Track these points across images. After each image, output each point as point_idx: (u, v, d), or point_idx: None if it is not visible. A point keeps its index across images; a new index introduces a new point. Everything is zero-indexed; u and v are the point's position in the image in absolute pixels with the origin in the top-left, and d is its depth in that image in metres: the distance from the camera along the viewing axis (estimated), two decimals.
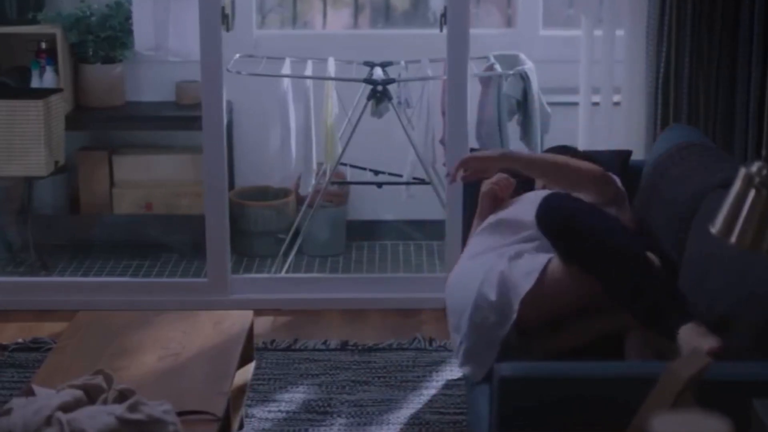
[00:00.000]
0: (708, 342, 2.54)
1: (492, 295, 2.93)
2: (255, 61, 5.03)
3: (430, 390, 3.88)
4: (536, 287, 2.87)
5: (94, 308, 3.91)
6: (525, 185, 3.49)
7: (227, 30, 4.49)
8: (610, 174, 3.33)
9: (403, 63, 5.07)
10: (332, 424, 3.64)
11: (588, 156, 3.69)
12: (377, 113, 4.92)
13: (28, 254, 5.12)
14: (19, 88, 5.13)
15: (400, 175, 5.10)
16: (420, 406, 3.76)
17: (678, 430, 1.62)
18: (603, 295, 2.84)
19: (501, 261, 3.01)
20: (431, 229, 5.33)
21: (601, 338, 2.91)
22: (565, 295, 2.88)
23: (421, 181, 5.00)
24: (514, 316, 2.89)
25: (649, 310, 2.72)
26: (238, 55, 4.98)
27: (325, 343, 4.25)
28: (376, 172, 5.19)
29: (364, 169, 5.20)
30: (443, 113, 4.77)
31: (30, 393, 2.84)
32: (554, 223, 2.89)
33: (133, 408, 2.67)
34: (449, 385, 3.92)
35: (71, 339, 3.36)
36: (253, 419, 3.66)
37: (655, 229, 3.32)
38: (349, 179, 5.27)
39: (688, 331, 2.61)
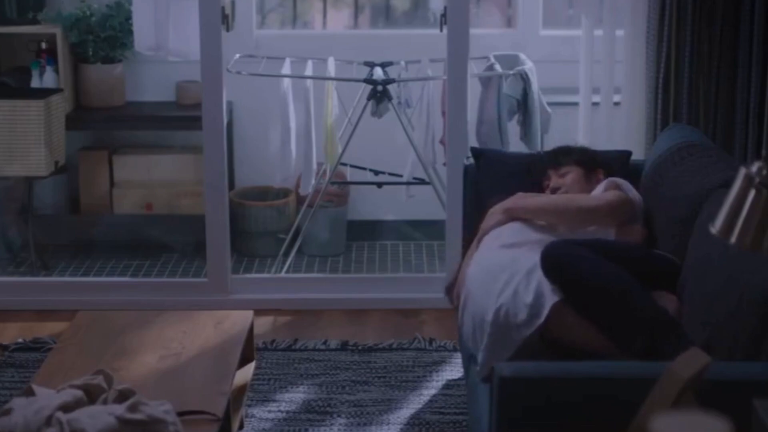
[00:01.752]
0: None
1: (528, 297, 2.95)
2: (255, 61, 5.03)
3: (430, 390, 3.88)
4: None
5: (94, 308, 3.91)
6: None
7: (227, 30, 4.49)
8: (617, 198, 3.36)
9: (403, 63, 5.07)
10: (332, 424, 3.64)
11: (594, 155, 3.70)
12: (377, 113, 4.92)
13: (28, 254, 5.12)
14: (19, 88, 5.13)
15: (400, 175, 5.10)
16: (420, 406, 3.76)
17: (678, 430, 1.62)
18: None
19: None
20: (431, 229, 5.33)
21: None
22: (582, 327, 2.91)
23: (421, 181, 5.00)
24: (542, 320, 2.91)
25: (645, 350, 2.76)
26: (238, 55, 4.99)
27: (325, 343, 4.25)
28: (376, 172, 5.19)
29: (364, 169, 5.20)
30: (443, 113, 4.77)
31: (30, 393, 2.84)
32: (551, 271, 2.94)
33: (133, 408, 2.67)
34: (449, 385, 3.92)
35: (71, 339, 3.36)
36: (253, 419, 3.66)
37: (656, 230, 3.33)
38: (349, 179, 5.27)
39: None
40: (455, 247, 4.22)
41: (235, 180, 5.45)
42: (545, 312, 2.90)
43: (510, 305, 2.96)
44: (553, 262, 2.93)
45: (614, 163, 3.74)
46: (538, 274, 2.97)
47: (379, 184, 5.18)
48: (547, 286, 2.94)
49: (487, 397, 2.67)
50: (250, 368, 3.51)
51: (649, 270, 3.04)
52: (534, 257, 3.05)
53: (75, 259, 5.25)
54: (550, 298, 2.91)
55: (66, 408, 2.70)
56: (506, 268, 3.09)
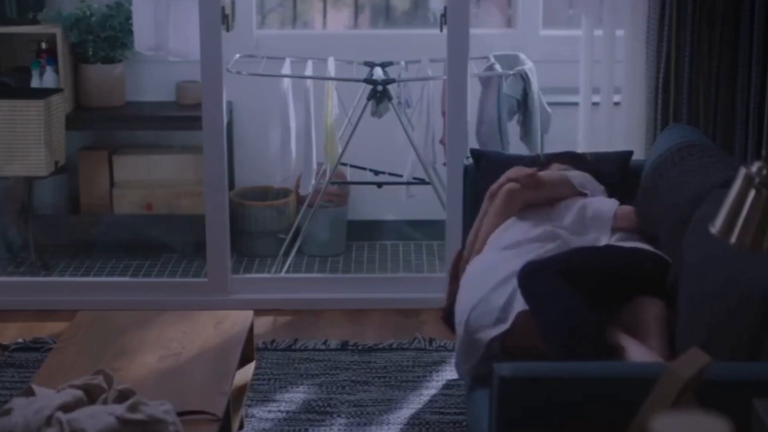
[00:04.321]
0: None
1: (500, 301, 2.98)
2: (255, 61, 5.03)
3: (430, 390, 3.88)
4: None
5: (94, 308, 3.91)
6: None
7: (227, 30, 4.49)
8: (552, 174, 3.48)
9: (403, 63, 5.07)
10: (332, 424, 3.64)
11: (584, 158, 3.72)
12: (377, 113, 4.92)
13: (28, 254, 5.12)
14: (19, 88, 5.13)
15: (400, 175, 5.10)
16: (420, 406, 3.77)
17: (678, 430, 1.62)
18: None
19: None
20: (431, 229, 5.32)
21: None
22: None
23: (421, 181, 5.00)
24: (508, 325, 2.93)
25: None
26: (238, 55, 4.99)
27: (325, 343, 4.25)
28: (376, 172, 5.19)
29: (364, 169, 5.20)
30: (443, 113, 4.77)
31: (30, 393, 2.84)
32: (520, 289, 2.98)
33: (133, 408, 2.67)
34: (449, 385, 3.92)
35: (71, 339, 3.36)
36: (253, 419, 3.66)
37: (656, 230, 3.33)
38: (349, 179, 5.27)
39: None
40: (455, 247, 4.22)
41: (235, 180, 5.45)
42: (512, 317, 2.93)
43: (483, 308, 3.00)
44: (521, 286, 2.97)
45: (615, 164, 3.75)
46: (515, 281, 2.99)
47: (379, 184, 5.18)
48: (520, 295, 2.97)
49: (486, 397, 2.67)
50: (250, 368, 3.51)
51: (632, 275, 3.06)
52: (518, 263, 3.07)
53: (75, 259, 5.25)
54: (519, 306, 2.93)
55: (66, 408, 2.70)
56: (490, 270, 3.12)
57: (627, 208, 3.39)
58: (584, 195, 3.46)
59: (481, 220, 3.50)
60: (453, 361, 4.07)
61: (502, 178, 3.53)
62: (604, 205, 3.38)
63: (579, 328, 2.84)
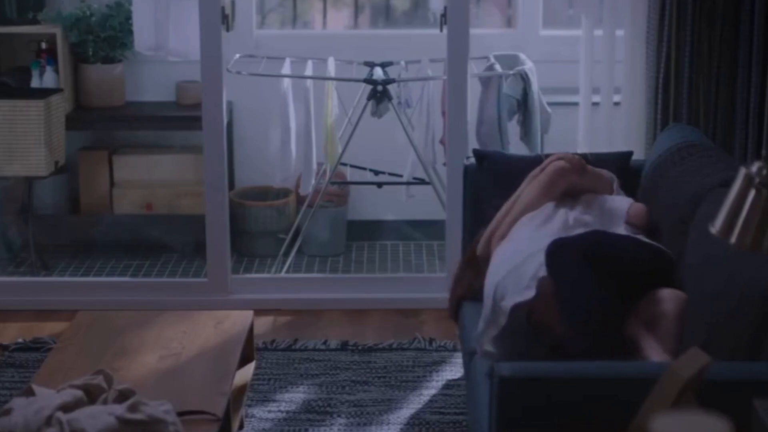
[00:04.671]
0: None
1: (530, 271, 3.02)
2: (255, 61, 5.03)
3: (430, 390, 3.88)
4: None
5: (94, 308, 3.91)
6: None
7: (227, 30, 4.49)
8: (560, 168, 3.46)
9: (403, 63, 5.07)
10: (332, 424, 3.64)
11: (585, 158, 3.73)
12: (377, 113, 4.92)
13: (28, 254, 5.12)
14: (19, 88, 5.13)
15: (400, 175, 5.10)
16: (420, 406, 3.77)
17: (678, 430, 1.62)
18: None
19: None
20: (431, 229, 5.33)
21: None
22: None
23: (421, 181, 5.00)
24: (533, 293, 2.94)
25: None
26: (238, 55, 4.99)
27: (325, 343, 4.25)
28: (376, 172, 5.19)
29: (364, 169, 5.20)
30: (443, 113, 4.77)
31: (30, 393, 2.84)
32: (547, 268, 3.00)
33: (133, 408, 2.67)
34: (449, 385, 3.92)
35: (71, 339, 3.36)
36: (253, 419, 3.66)
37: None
38: (349, 179, 5.27)
39: None
40: (455, 247, 4.22)
41: (235, 180, 5.45)
42: (534, 284, 2.96)
43: (512, 276, 3.04)
44: (548, 264, 2.97)
45: (615, 164, 3.75)
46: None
47: (379, 184, 5.18)
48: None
49: (486, 397, 2.67)
50: (250, 368, 3.51)
51: (640, 270, 3.07)
52: (549, 241, 3.09)
53: (75, 259, 5.25)
54: (541, 274, 2.96)
55: (66, 408, 2.70)
56: (521, 248, 3.15)
57: (640, 206, 3.40)
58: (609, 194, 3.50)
59: (515, 200, 3.49)
60: (453, 360, 4.08)
61: (549, 159, 3.52)
62: (621, 203, 3.41)
63: (601, 320, 2.85)
